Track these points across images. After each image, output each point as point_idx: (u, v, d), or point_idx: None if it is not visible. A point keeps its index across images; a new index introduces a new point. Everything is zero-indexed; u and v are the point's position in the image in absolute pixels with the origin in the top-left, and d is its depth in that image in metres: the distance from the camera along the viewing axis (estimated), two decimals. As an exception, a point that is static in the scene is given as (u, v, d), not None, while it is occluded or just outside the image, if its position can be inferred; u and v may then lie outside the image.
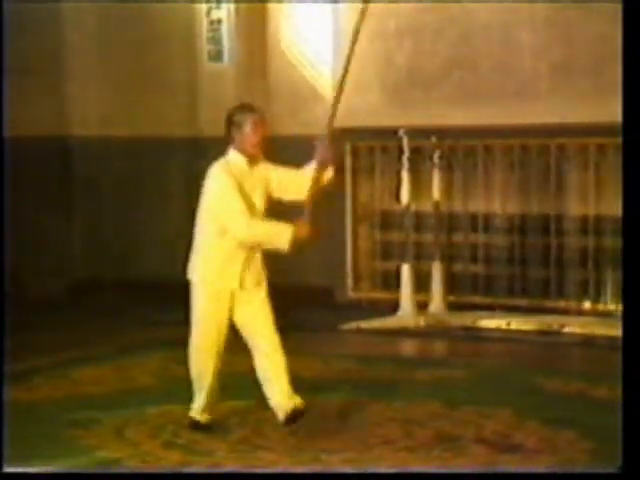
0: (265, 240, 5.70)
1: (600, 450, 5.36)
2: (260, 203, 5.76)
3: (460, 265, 9.74)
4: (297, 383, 6.94)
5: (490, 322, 8.99)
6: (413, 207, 9.63)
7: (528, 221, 9.51)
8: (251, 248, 5.76)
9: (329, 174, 5.94)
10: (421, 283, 9.45)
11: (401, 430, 5.74)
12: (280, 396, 5.70)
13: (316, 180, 5.86)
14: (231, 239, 5.68)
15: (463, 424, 5.86)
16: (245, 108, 5.91)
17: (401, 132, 9.47)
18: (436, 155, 9.59)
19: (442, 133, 9.59)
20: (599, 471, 4.59)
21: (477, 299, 9.57)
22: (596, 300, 9.18)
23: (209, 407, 5.81)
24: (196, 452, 5.33)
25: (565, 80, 9.28)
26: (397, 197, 9.65)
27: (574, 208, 9.31)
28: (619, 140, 8.74)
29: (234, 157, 5.76)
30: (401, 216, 9.70)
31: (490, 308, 9.38)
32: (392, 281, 9.67)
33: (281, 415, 5.68)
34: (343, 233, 10.27)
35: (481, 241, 9.68)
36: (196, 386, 5.83)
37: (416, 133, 9.49)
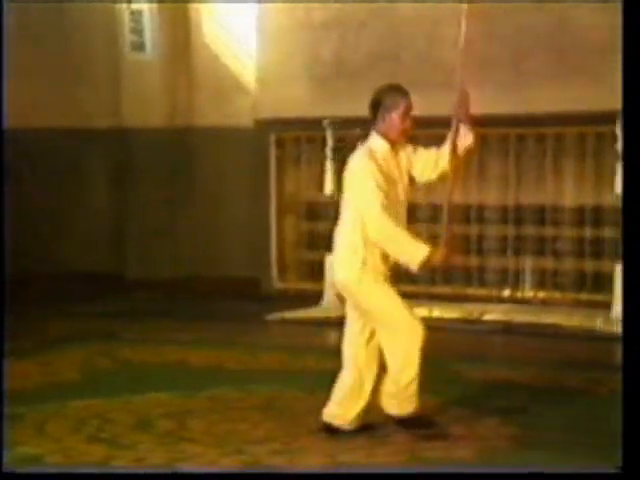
0: (394, 249, 5.24)
1: (522, 435, 5.39)
2: (403, 194, 5.34)
3: (384, 255, 9.75)
4: (224, 374, 6.94)
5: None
6: (338, 197, 9.61)
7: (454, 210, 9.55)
8: None
9: (468, 139, 5.46)
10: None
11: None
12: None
13: (455, 148, 5.40)
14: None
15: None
16: (397, 91, 5.39)
17: (325, 123, 9.45)
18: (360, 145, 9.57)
19: (367, 124, 9.58)
20: (599, 471, 4.48)
21: (400, 288, 9.57)
22: (515, 288, 9.30)
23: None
24: (120, 446, 5.25)
25: (487, 72, 9.34)
26: (322, 187, 9.64)
27: (496, 198, 9.39)
28: (539, 130, 9.02)
29: (377, 143, 5.32)
30: (326, 206, 9.69)
31: (413, 297, 9.41)
32: (318, 271, 9.67)
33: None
34: (268, 224, 10.24)
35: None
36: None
37: (341, 124, 9.48)
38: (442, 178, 5.45)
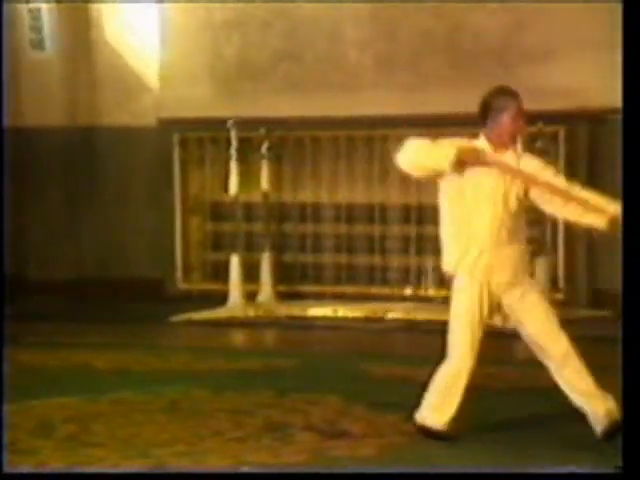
0: (424, 157, 5.13)
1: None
2: (493, 205, 5.16)
3: (290, 255, 9.80)
4: (129, 377, 6.88)
5: (318, 310, 9.09)
6: (242, 198, 9.63)
7: (354, 210, 9.64)
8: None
9: (602, 225, 5.10)
10: (252, 273, 9.47)
11: (231, 421, 5.72)
12: None
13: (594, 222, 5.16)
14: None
15: (292, 412, 5.87)
16: (508, 93, 5.27)
17: (229, 123, 9.44)
18: (264, 146, 9.60)
19: (271, 124, 9.62)
20: (599, 471, 4.52)
21: (306, 288, 9.66)
22: (417, 286, 9.42)
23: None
24: (20, 451, 5.17)
25: (387, 73, 9.45)
26: (226, 188, 9.63)
27: (397, 197, 9.49)
28: (439, 131, 9.09)
29: (480, 142, 5.21)
30: (231, 207, 9.68)
31: (319, 296, 9.48)
32: (223, 272, 9.66)
33: None
34: (173, 224, 10.19)
35: (309, 231, 9.77)
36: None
37: (245, 124, 9.48)
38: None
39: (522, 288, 5.29)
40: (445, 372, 5.37)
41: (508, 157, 5.20)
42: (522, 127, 5.26)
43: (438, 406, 5.30)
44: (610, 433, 5.12)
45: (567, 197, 5.12)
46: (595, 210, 5.08)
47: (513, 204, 5.18)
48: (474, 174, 5.12)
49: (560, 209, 5.23)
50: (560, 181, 5.22)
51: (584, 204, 5.11)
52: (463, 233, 5.24)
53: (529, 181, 5.18)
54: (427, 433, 5.30)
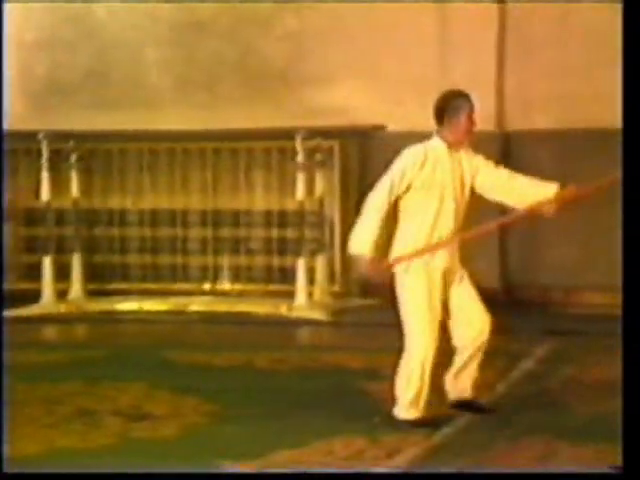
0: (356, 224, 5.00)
1: (220, 412, 5.50)
2: (450, 196, 5.03)
3: (99, 256, 9.69)
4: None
5: (125, 305, 9.03)
6: (54, 204, 9.45)
7: (158, 215, 9.62)
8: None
9: (550, 210, 5.18)
10: (64, 273, 9.30)
11: (44, 409, 5.62)
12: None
13: (542, 204, 5.16)
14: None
15: (101, 399, 5.81)
16: (462, 95, 5.13)
17: (40, 136, 9.25)
18: (73, 157, 9.45)
19: (81, 137, 9.47)
20: (599, 471, 4.29)
21: (114, 286, 9.56)
22: (215, 282, 9.48)
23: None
24: None
25: (186, 92, 9.48)
26: (38, 195, 9.44)
27: (196, 203, 9.53)
28: (232, 145, 9.24)
29: (435, 143, 5.06)
30: (43, 213, 9.48)
31: (126, 293, 9.41)
32: (36, 273, 9.43)
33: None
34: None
35: (117, 234, 9.69)
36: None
37: (57, 137, 9.29)
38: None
39: (460, 272, 5.24)
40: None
41: (463, 154, 5.12)
42: (474, 125, 5.14)
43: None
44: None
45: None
46: (536, 194, 5.11)
47: (465, 198, 5.15)
48: (435, 172, 5.02)
49: (505, 196, 5.17)
50: (503, 171, 5.21)
51: (527, 189, 5.11)
52: (423, 230, 5.07)
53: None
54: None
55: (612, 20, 7.96)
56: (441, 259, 5.09)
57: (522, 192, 5.14)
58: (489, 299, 8.25)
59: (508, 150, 8.49)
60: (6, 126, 9.32)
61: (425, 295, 5.06)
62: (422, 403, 5.12)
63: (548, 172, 8.30)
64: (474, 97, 7.83)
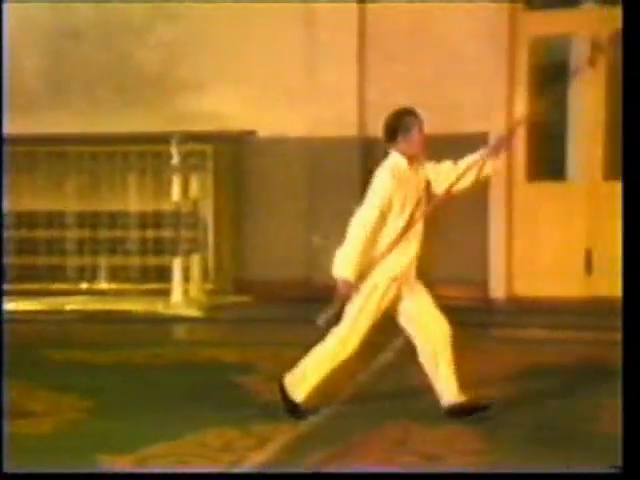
0: (341, 249, 5.01)
1: (98, 407, 5.46)
2: (418, 209, 5.05)
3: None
4: None
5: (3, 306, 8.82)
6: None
7: (36, 217, 9.45)
8: None
9: (489, 170, 5.19)
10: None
11: None
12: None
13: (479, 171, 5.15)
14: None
15: (-21, 398, 5.69)
16: (412, 113, 5.18)
17: None
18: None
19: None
20: (599, 471, 4.15)
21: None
22: (92, 281, 9.37)
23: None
24: None
25: (64, 98, 9.34)
26: None
27: (74, 205, 9.39)
28: (109, 148, 9.13)
29: (397, 159, 5.09)
30: None
31: (5, 294, 9.19)
32: None
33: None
34: None
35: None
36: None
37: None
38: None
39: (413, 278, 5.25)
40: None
41: (419, 165, 5.17)
42: (426, 140, 5.21)
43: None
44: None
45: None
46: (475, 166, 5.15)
47: (424, 205, 5.18)
48: (403, 187, 5.06)
49: (457, 184, 5.20)
50: (447, 162, 5.26)
51: (469, 169, 5.16)
52: (389, 236, 5.08)
53: None
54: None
55: (459, 35, 8.29)
56: (401, 268, 5.11)
57: (455, 172, 5.18)
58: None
59: (370, 154, 8.68)
60: None
61: (376, 305, 5.10)
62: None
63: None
64: (338, 104, 7.98)
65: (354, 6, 8.56)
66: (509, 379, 6.01)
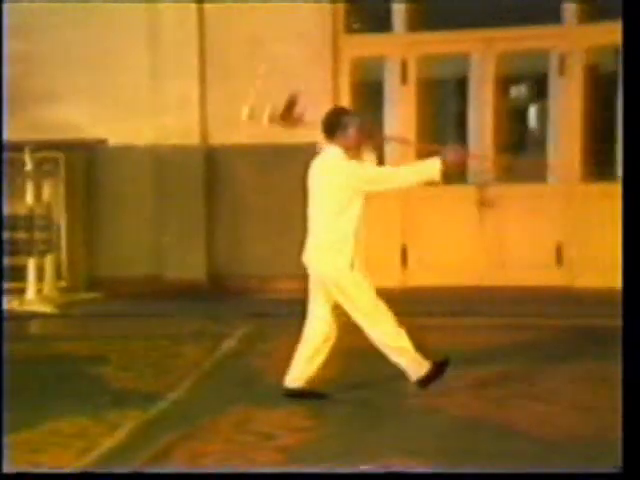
0: (417, 178, 5.11)
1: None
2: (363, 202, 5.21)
3: None
4: None
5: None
6: None
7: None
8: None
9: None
10: None
11: None
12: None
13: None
14: (347, 220, 5.10)
15: None
16: (348, 111, 5.46)
17: None
18: None
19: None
20: (599, 471, 4.02)
21: None
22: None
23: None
24: None
25: None
26: None
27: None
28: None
29: (336, 151, 5.20)
30: None
31: None
32: None
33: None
34: None
35: None
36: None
37: None
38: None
39: None
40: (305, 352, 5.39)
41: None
42: (364, 138, 5.32)
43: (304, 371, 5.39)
44: (423, 381, 5.38)
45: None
46: (424, 170, 5.20)
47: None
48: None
49: (392, 184, 5.31)
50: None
51: (416, 167, 5.28)
52: (351, 234, 5.21)
53: None
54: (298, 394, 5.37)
55: (290, 55, 8.58)
56: (360, 258, 5.25)
57: (407, 174, 5.26)
58: (197, 290, 8.67)
59: (212, 161, 8.88)
60: None
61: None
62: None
63: (247, 181, 8.85)
64: (182, 115, 8.09)
65: (195, 25, 8.74)
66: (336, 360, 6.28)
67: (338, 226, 5.18)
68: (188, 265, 8.71)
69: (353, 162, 5.23)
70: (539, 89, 8.34)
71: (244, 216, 8.81)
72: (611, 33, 8.14)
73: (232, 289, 8.67)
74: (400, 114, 8.69)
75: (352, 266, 5.18)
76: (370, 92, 8.76)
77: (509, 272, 8.42)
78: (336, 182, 5.18)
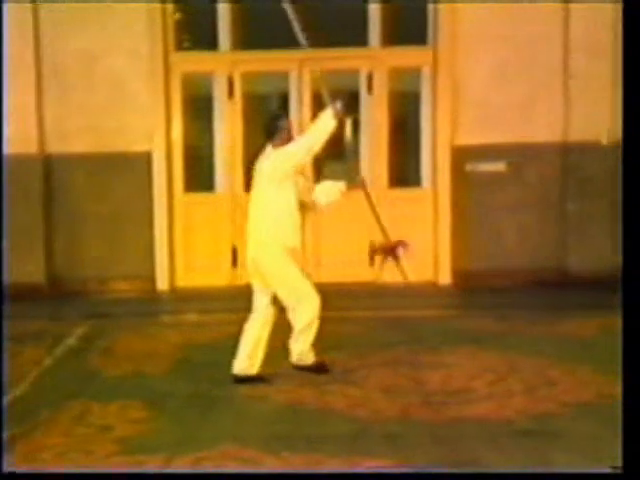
0: (320, 134, 5.27)
1: None
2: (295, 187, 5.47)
3: None
4: None
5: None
6: None
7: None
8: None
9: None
10: None
11: None
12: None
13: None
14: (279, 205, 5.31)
15: None
16: (284, 116, 5.79)
17: None
18: None
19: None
20: (599, 471, 3.79)
21: None
22: None
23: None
24: None
25: None
26: None
27: None
28: None
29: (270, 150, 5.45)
30: None
31: None
32: None
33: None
34: None
35: None
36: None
37: None
38: None
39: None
40: (310, 314, 5.42)
41: None
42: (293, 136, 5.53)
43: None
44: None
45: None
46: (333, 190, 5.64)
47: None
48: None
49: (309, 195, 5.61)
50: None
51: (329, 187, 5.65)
52: (295, 216, 5.40)
53: None
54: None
55: (125, 70, 8.44)
56: (297, 240, 5.43)
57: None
58: (37, 293, 8.36)
59: (49, 170, 8.61)
60: None
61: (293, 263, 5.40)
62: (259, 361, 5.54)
63: (84, 188, 8.61)
64: (21, 125, 7.79)
65: (31, 36, 8.41)
66: (170, 355, 6.28)
67: (270, 211, 5.37)
68: (27, 270, 8.40)
69: (279, 150, 5.42)
70: (354, 105, 8.63)
71: (81, 221, 8.62)
72: (412, 57, 8.64)
73: (71, 291, 8.48)
74: (228, 127, 8.79)
75: (279, 245, 5.35)
76: (200, 106, 8.80)
77: (324, 269, 8.61)
78: (267, 170, 5.41)
